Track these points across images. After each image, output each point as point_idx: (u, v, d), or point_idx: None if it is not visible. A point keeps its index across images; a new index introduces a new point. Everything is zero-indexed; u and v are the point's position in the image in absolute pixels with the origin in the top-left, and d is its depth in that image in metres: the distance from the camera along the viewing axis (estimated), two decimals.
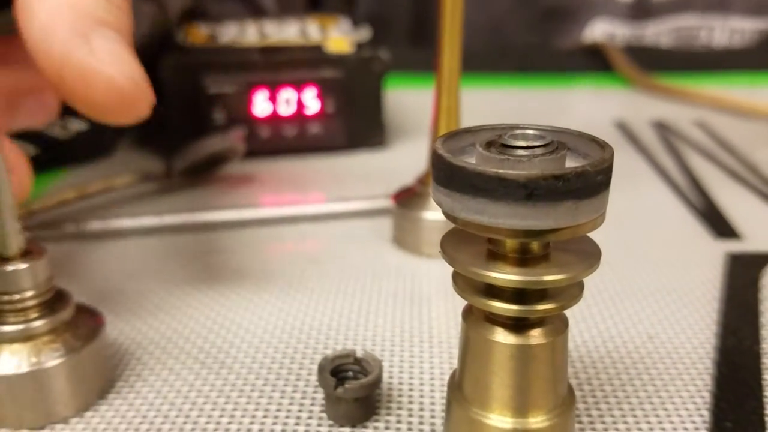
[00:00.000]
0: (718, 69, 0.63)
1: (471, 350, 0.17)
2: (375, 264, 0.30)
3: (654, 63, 0.61)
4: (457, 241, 0.17)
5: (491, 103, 0.54)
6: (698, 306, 0.26)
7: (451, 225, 0.16)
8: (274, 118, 0.41)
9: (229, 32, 0.45)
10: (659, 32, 0.73)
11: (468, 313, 0.18)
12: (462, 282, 0.17)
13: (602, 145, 0.16)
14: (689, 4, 0.72)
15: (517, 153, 0.16)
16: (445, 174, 0.15)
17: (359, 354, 0.21)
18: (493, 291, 0.16)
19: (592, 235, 0.17)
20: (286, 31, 0.46)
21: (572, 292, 0.17)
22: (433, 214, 0.30)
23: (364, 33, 0.45)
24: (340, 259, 0.30)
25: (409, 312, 0.26)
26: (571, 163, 0.16)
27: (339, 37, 0.45)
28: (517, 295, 0.16)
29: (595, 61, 0.65)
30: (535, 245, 0.16)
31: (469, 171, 0.15)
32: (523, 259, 0.16)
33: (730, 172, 0.40)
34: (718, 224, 0.33)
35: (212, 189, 0.38)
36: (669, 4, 0.72)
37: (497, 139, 0.16)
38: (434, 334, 0.25)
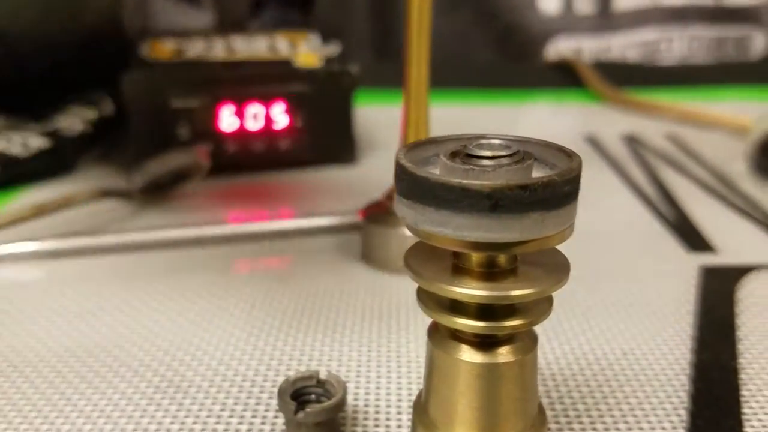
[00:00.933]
0: (681, 83, 0.64)
1: (436, 370, 0.16)
2: (343, 281, 0.29)
3: (621, 78, 0.62)
4: (422, 255, 0.16)
5: (460, 118, 0.54)
6: (672, 321, 0.26)
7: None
8: (242, 134, 0.40)
9: (195, 47, 0.45)
10: (624, 45, 0.74)
11: (433, 330, 0.17)
12: (427, 298, 0.16)
13: (570, 155, 0.16)
14: (649, 16, 0.73)
15: (482, 163, 0.15)
16: (408, 185, 0.15)
17: (322, 375, 0.20)
18: (459, 307, 0.16)
19: (562, 248, 0.16)
20: (255, 46, 0.45)
21: (541, 307, 0.16)
22: (402, 229, 0.29)
23: (334, 48, 0.45)
24: (306, 277, 0.29)
25: (378, 330, 0.25)
26: (538, 173, 0.15)
27: (308, 52, 0.44)
28: (484, 311, 0.15)
29: (563, 77, 0.65)
30: (501, 259, 0.15)
31: (431, 181, 0.14)
32: (490, 273, 0.15)
33: (702, 185, 0.40)
34: (691, 237, 0.33)
35: (175, 206, 0.37)
36: (629, 16, 0.73)
37: (462, 150, 0.16)
38: (403, 353, 0.24)
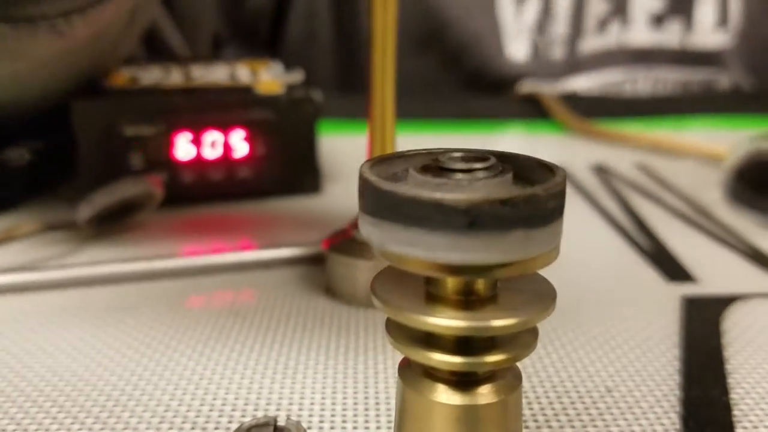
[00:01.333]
0: (647, 114, 0.64)
1: (408, 413, 0.14)
2: (305, 315, 0.27)
3: (588, 110, 0.61)
4: (391, 282, 0.14)
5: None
6: (657, 354, 0.24)
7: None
8: (199, 162, 0.38)
9: (151, 75, 0.43)
10: (590, 86, 0.74)
11: (405, 368, 0.15)
12: (396, 331, 0.14)
13: (552, 169, 0.14)
14: (614, 59, 0.74)
15: (457, 177, 0.13)
16: (373, 201, 0.13)
17: (280, 422, 0.18)
18: (433, 341, 0.14)
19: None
20: (214, 74, 0.44)
21: (525, 340, 0.14)
22: (367, 260, 0.27)
23: (296, 75, 0.43)
24: (266, 311, 0.27)
25: (343, 369, 0.23)
26: (518, 189, 0.14)
27: (270, 80, 0.42)
28: (461, 344, 0.14)
29: (531, 109, 0.64)
30: (480, 285, 0.14)
31: (399, 196, 0.12)
32: (467, 301, 0.14)
33: (677, 214, 0.39)
34: (670, 267, 0.32)
35: (125, 238, 0.34)
36: (595, 59, 0.73)
37: (433, 164, 0.14)
38: (371, 395, 0.22)
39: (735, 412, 0.21)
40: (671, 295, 0.29)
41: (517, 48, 0.72)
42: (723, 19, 0.74)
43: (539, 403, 0.21)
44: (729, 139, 0.44)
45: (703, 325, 0.26)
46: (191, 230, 0.36)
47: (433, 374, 0.14)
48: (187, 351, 0.24)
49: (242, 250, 0.31)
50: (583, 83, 0.74)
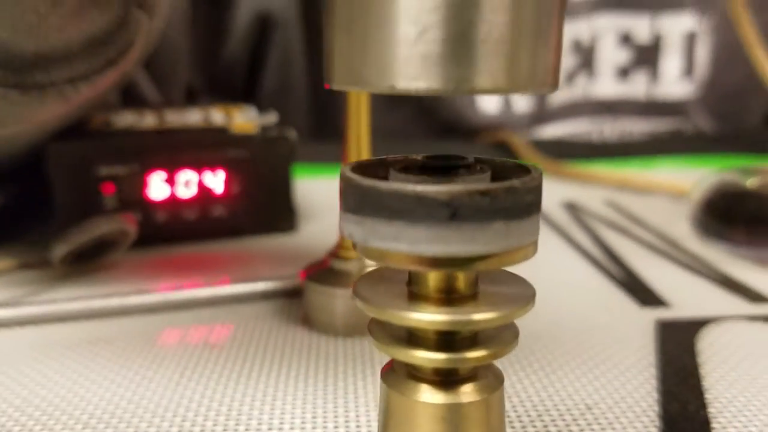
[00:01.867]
0: (613, 156, 0.65)
1: (393, 417, 0.14)
2: (283, 346, 0.27)
3: (555, 153, 0.63)
4: (373, 283, 0.14)
5: None
6: (635, 373, 0.24)
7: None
8: (173, 202, 0.38)
9: (125, 119, 0.43)
10: (555, 134, 0.76)
11: (388, 372, 0.15)
12: (380, 331, 0.14)
13: (528, 169, 0.14)
14: (581, 110, 0.76)
15: (437, 175, 0.14)
16: (355, 198, 0.13)
17: None
18: (416, 339, 0.14)
19: None
20: (188, 118, 0.44)
21: (505, 337, 0.14)
22: (346, 289, 0.27)
23: (270, 117, 0.44)
24: (242, 344, 0.27)
25: (323, 396, 0.23)
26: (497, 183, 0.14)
27: (244, 121, 0.43)
28: (444, 341, 0.14)
29: (501, 153, 0.65)
30: (461, 281, 0.14)
31: (382, 191, 0.13)
32: (449, 299, 0.14)
33: (647, 245, 0.40)
34: (642, 293, 0.32)
35: (99, 277, 0.34)
36: (563, 110, 0.75)
37: (414, 164, 0.14)
38: (351, 418, 0.22)
39: (714, 425, 0.21)
40: (645, 319, 0.29)
41: (488, 100, 0.73)
42: (688, 69, 0.76)
43: (521, 421, 0.21)
44: (693, 177, 0.45)
45: (677, 346, 0.27)
46: (166, 268, 0.36)
47: (416, 375, 0.14)
48: (163, 382, 0.24)
49: (218, 284, 0.31)
50: (550, 132, 0.75)
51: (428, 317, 0.13)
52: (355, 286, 0.14)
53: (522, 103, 0.74)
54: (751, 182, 0.40)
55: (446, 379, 0.14)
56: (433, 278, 0.14)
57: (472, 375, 0.14)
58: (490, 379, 0.14)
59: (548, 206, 0.48)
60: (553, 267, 0.36)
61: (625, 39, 0.76)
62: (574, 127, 0.76)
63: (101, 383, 0.24)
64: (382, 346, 0.14)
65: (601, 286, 0.33)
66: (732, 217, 0.39)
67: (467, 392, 0.14)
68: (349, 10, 0.12)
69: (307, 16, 0.70)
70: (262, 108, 0.50)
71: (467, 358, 0.13)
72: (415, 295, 0.14)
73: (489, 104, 0.73)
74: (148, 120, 0.42)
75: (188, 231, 0.39)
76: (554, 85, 0.13)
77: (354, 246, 0.14)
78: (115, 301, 0.29)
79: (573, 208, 0.48)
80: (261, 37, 0.70)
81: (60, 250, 0.32)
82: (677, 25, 0.75)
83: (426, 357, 0.13)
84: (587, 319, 0.29)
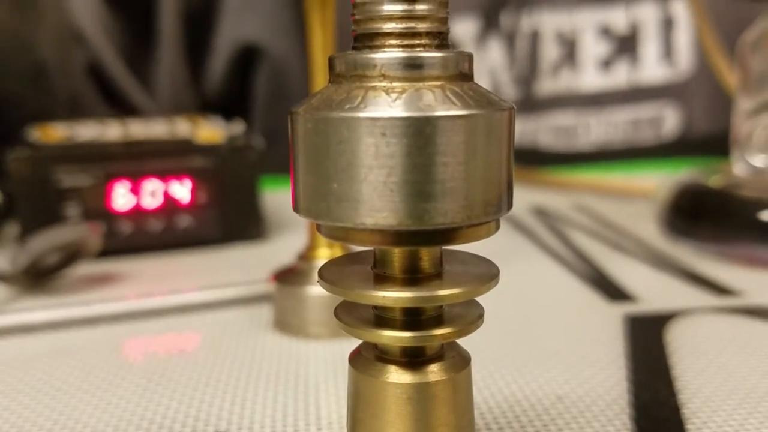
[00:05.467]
0: (592, 161, 0.66)
1: (362, 399, 0.14)
2: (254, 350, 0.26)
3: (532, 159, 0.63)
4: (339, 267, 0.14)
5: None
6: (604, 364, 0.25)
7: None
8: (137, 212, 0.38)
9: (88, 132, 0.42)
10: (538, 129, 0.76)
11: (356, 357, 0.15)
12: (347, 314, 0.14)
13: None
14: (566, 101, 0.76)
15: None
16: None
17: None
18: (383, 320, 0.14)
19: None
20: (152, 129, 0.43)
21: (470, 316, 0.14)
22: (317, 290, 0.27)
23: (237, 126, 0.44)
24: (211, 349, 0.27)
25: (294, 398, 0.23)
26: None
27: (210, 131, 0.42)
28: (410, 320, 0.14)
29: None
30: (425, 261, 0.14)
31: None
32: (414, 279, 0.14)
33: (615, 245, 0.40)
34: (611, 290, 0.32)
35: (62, 288, 0.33)
36: (548, 101, 0.76)
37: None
38: (323, 416, 0.21)
39: (683, 411, 0.21)
40: (613, 314, 0.29)
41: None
42: (667, 53, 0.77)
43: (492, 413, 0.21)
44: (657, 178, 0.45)
45: (646, 338, 0.27)
46: (133, 279, 0.35)
47: (383, 357, 0.14)
48: (130, 387, 0.23)
49: (185, 292, 0.31)
50: (537, 126, 0.76)
51: (395, 294, 0.13)
52: (320, 271, 0.14)
53: (509, 92, 0.75)
54: (713, 180, 0.40)
55: (413, 360, 0.14)
56: (398, 257, 0.14)
57: (438, 355, 0.14)
58: (456, 359, 0.14)
59: (518, 212, 0.49)
60: (522, 268, 0.36)
61: (605, 31, 0.77)
62: (560, 120, 0.77)
63: (66, 393, 0.23)
64: (350, 329, 0.14)
65: (570, 285, 0.33)
66: (697, 215, 0.40)
67: (434, 371, 0.14)
68: (315, 154, 0.13)
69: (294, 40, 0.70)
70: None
71: (433, 336, 0.13)
72: (380, 276, 0.14)
73: None
74: (113, 131, 0.42)
75: (153, 241, 0.38)
76: (507, 208, 0.14)
77: (318, 228, 0.14)
78: (78, 311, 0.29)
79: (542, 214, 0.48)
80: (246, 66, 0.70)
81: (22, 259, 0.31)
82: (653, 13, 0.76)
83: (393, 335, 0.13)
84: (557, 316, 0.30)
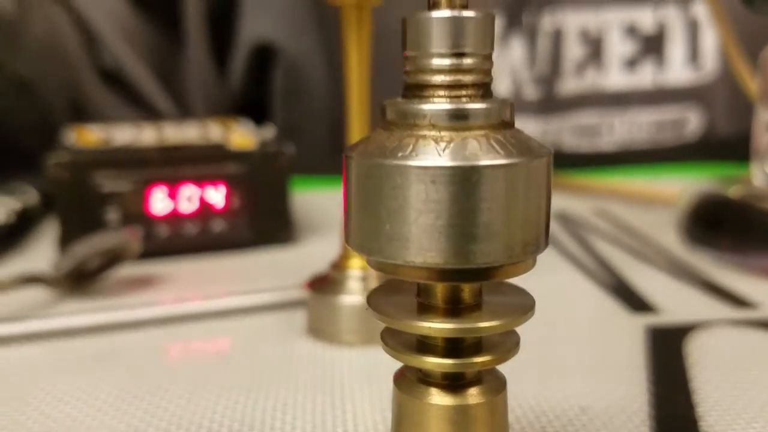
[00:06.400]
0: (616, 164, 0.67)
1: (405, 418, 0.16)
2: (290, 356, 0.28)
3: (560, 163, 0.64)
4: (385, 295, 0.16)
5: None
6: (626, 377, 0.26)
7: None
8: (174, 216, 0.39)
9: (124, 135, 0.44)
10: (561, 129, 0.77)
11: (400, 377, 0.16)
12: (392, 340, 0.15)
13: None
14: (590, 100, 0.77)
15: None
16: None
17: None
18: (426, 346, 0.15)
19: None
20: (186, 133, 0.45)
21: (508, 344, 0.15)
22: (350, 299, 0.28)
23: (268, 131, 0.45)
24: (250, 355, 0.28)
25: (331, 404, 0.24)
26: None
27: (242, 136, 0.44)
28: (451, 348, 0.15)
29: None
30: (466, 294, 0.15)
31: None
32: (455, 309, 0.15)
33: (636, 254, 0.41)
34: (632, 300, 0.33)
35: (104, 291, 0.35)
36: (572, 100, 0.76)
37: None
38: (360, 424, 0.23)
39: (701, 424, 0.22)
40: (635, 324, 0.30)
41: (499, 87, 0.75)
42: (693, 56, 0.77)
43: (519, 423, 0.22)
44: (678, 185, 0.46)
45: (667, 350, 0.28)
46: (171, 282, 0.36)
47: (426, 380, 0.15)
48: (176, 393, 0.25)
49: (221, 297, 0.32)
50: (560, 125, 0.77)
51: (438, 326, 0.14)
52: (368, 298, 0.15)
53: (530, 91, 0.76)
54: (733, 191, 0.41)
55: (454, 383, 0.15)
56: (441, 290, 0.15)
57: (477, 379, 0.15)
58: (493, 382, 0.16)
59: None
60: (545, 278, 0.37)
61: (631, 30, 0.78)
62: (583, 120, 0.78)
63: (116, 398, 0.25)
64: (395, 353, 0.15)
65: (593, 295, 0.35)
66: (717, 225, 0.41)
67: (473, 395, 0.15)
68: (368, 196, 0.14)
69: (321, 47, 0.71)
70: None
71: (473, 363, 0.15)
72: (424, 306, 0.15)
73: (501, 90, 0.74)
74: (148, 136, 0.43)
75: (189, 245, 0.40)
76: (545, 246, 0.15)
77: (368, 261, 0.15)
78: (121, 315, 0.30)
79: (564, 219, 0.49)
80: (262, 65, 0.71)
81: (66, 265, 0.33)
82: (681, 14, 0.77)
83: (435, 362, 0.15)
84: (580, 327, 0.31)
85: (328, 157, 0.71)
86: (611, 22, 0.77)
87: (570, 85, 0.77)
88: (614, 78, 0.78)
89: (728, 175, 0.44)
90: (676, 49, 0.78)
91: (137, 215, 0.38)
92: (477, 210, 0.13)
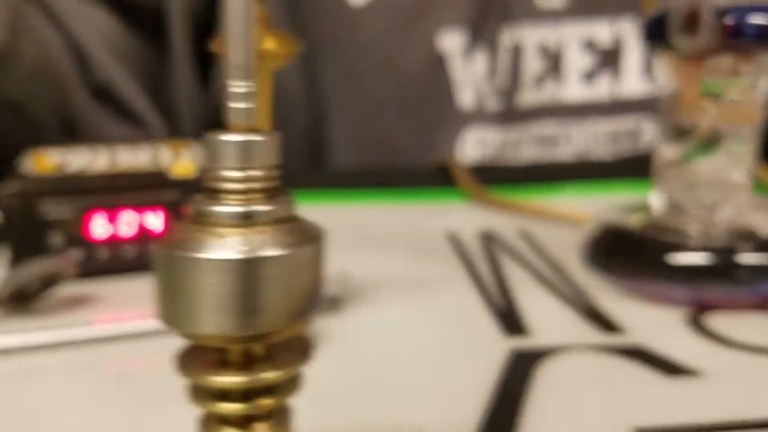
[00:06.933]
0: (567, 179, 0.70)
1: None
2: None
3: (500, 179, 0.67)
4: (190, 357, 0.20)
5: (352, 218, 0.59)
6: (467, 401, 0.29)
7: None
8: (114, 240, 0.43)
9: (78, 160, 0.48)
10: (521, 139, 0.81)
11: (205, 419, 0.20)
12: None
13: None
14: (548, 112, 0.81)
15: None
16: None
17: None
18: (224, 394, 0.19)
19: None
20: (137, 158, 0.49)
21: (291, 386, 0.20)
22: None
23: None
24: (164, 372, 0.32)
25: None
26: None
27: (187, 162, 0.48)
28: (244, 393, 0.19)
29: (440, 176, 0.71)
30: (257, 349, 0.19)
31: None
32: (247, 362, 0.19)
33: (538, 276, 0.45)
34: (510, 322, 0.37)
35: (43, 312, 0.39)
36: (531, 112, 0.80)
37: None
38: None
39: None
40: (502, 348, 0.34)
41: (465, 97, 0.79)
42: (648, 67, 0.81)
43: None
44: (602, 204, 0.49)
45: (517, 374, 0.32)
46: (109, 301, 0.41)
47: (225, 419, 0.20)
48: (108, 414, 0.29)
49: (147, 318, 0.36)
50: (518, 135, 0.80)
51: (230, 380, 0.18)
52: (175, 360, 0.19)
53: (492, 103, 0.79)
54: (632, 221, 0.45)
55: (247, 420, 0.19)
56: (234, 349, 0.19)
57: (267, 414, 0.20)
58: (281, 416, 0.20)
59: (467, 237, 0.53)
60: (445, 296, 0.41)
61: (589, 45, 0.81)
62: (543, 131, 0.81)
63: (42, 412, 0.29)
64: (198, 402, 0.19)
65: (477, 316, 0.38)
66: (613, 252, 0.44)
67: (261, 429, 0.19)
68: (168, 280, 0.18)
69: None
70: None
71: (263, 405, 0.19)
72: (221, 362, 0.19)
73: (464, 101, 0.79)
74: (101, 161, 0.47)
75: (127, 266, 0.44)
76: (319, 306, 0.19)
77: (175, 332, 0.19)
78: (52, 335, 0.34)
79: (488, 238, 0.53)
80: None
81: (6, 289, 0.37)
82: (636, 27, 0.80)
83: (231, 407, 0.19)
84: (449, 349, 0.34)
85: (302, 171, 0.75)
86: (570, 38, 0.81)
87: (529, 97, 0.81)
88: (572, 90, 0.81)
89: (638, 201, 0.47)
90: (631, 61, 0.81)
91: (78, 239, 0.42)
92: (258, 292, 0.17)
